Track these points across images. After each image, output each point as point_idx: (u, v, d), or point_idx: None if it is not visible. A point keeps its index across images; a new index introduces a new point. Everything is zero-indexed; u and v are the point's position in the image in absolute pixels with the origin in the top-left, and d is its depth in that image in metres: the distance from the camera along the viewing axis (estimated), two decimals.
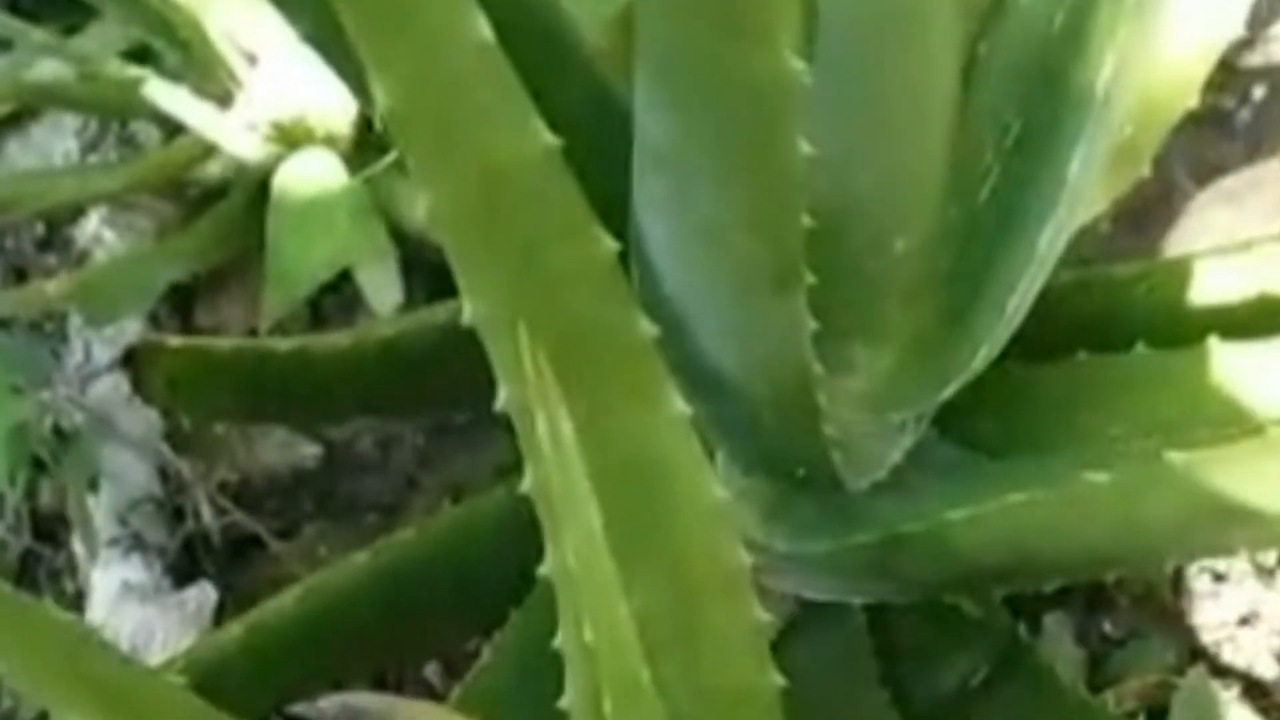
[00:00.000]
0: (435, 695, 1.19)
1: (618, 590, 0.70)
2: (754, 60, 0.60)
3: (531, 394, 0.65)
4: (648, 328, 0.70)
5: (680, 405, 0.72)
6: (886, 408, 0.89)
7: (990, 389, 0.99)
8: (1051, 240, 0.86)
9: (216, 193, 1.29)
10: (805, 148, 0.60)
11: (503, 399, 0.72)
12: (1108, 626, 1.20)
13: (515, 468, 1.27)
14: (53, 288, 1.19)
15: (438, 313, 1.08)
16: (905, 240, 0.83)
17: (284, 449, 1.24)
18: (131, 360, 0.94)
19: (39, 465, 1.18)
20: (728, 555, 0.78)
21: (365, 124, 1.22)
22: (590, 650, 0.72)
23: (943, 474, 0.95)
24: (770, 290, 0.67)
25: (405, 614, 1.08)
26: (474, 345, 1.10)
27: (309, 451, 1.24)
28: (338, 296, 1.26)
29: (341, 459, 1.26)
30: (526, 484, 0.75)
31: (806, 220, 0.63)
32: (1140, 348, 0.97)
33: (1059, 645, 1.13)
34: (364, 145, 1.22)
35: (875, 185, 0.78)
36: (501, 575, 1.07)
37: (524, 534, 1.09)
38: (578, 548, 0.68)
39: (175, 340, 0.96)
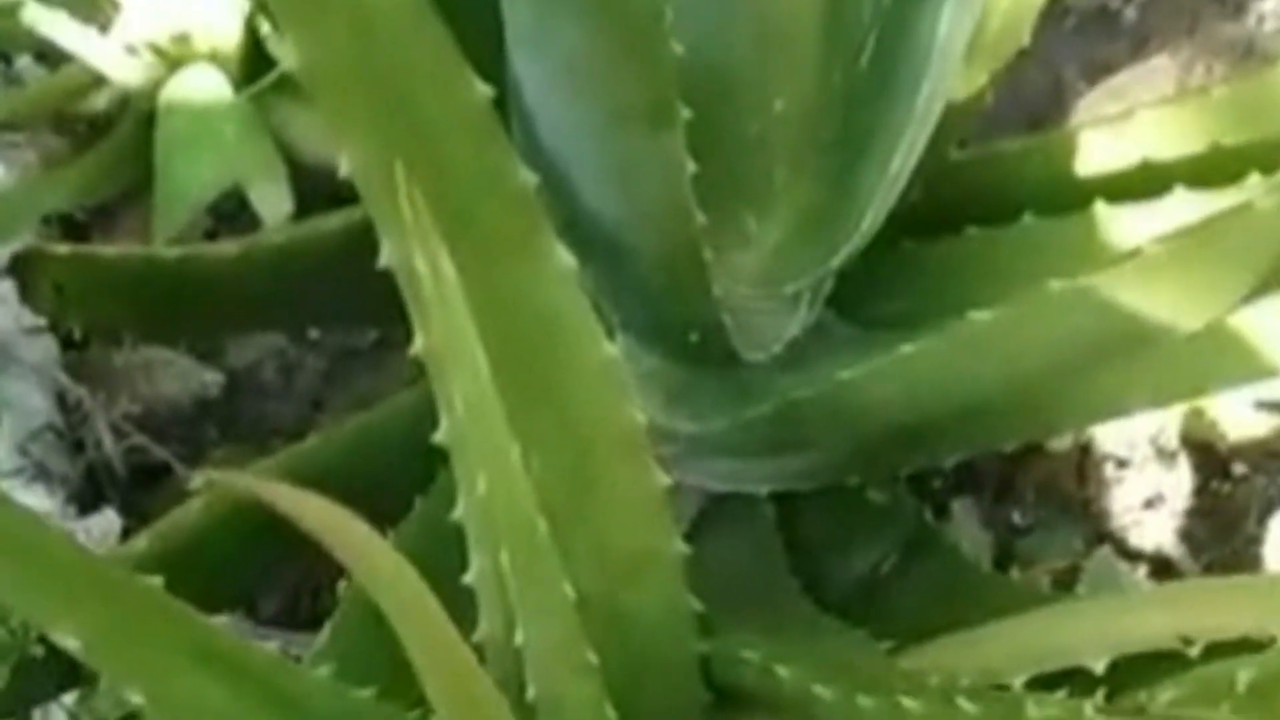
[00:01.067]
0: None
1: (507, 436, 0.70)
2: None
3: (411, 239, 0.64)
4: (527, 176, 0.70)
5: (566, 257, 0.72)
6: (778, 280, 0.89)
7: (883, 267, 1.00)
8: (928, 100, 0.86)
9: (103, 125, 1.27)
10: None
11: (385, 257, 0.71)
12: (1015, 517, 1.21)
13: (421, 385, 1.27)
14: None
15: (330, 220, 1.08)
16: (784, 101, 0.83)
17: (185, 377, 1.23)
18: (18, 267, 0.93)
19: None
20: (620, 413, 0.77)
21: (251, 41, 1.21)
22: (485, 504, 0.72)
23: (839, 349, 0.95)
24: (645, 127, 0.67)
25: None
26: (369, 253, 1.10)
27: (211, 379, 1.24)
28: (233, 223, 1.25)
29: (244, 385, 1.25)
30: (417, 346, 0.74)
31: (677, 48, 0.63)
32: (1028, 218, 0.97)
33: (966, 530, 1.14)
34: (250, 62, 1.21)
35: (749, 40, 0.78)
36: (407, 478, 1.07)
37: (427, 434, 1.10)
38: (467, 396, 0.68)
39: (62, 247, 0.95)
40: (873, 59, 0.87)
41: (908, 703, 0.73)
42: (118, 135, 1.23)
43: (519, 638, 0.76)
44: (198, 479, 1.12)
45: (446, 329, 0.66)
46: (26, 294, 0.93)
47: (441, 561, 0.94)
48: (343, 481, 1.05)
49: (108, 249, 1.00)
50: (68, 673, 1.01)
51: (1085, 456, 1.23)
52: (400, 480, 1.06)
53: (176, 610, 0.69)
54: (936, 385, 0.82)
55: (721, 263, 0.83)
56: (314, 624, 1.17)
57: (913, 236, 1.00)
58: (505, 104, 0.70)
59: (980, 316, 0.76)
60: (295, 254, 1.04)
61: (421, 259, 0.65)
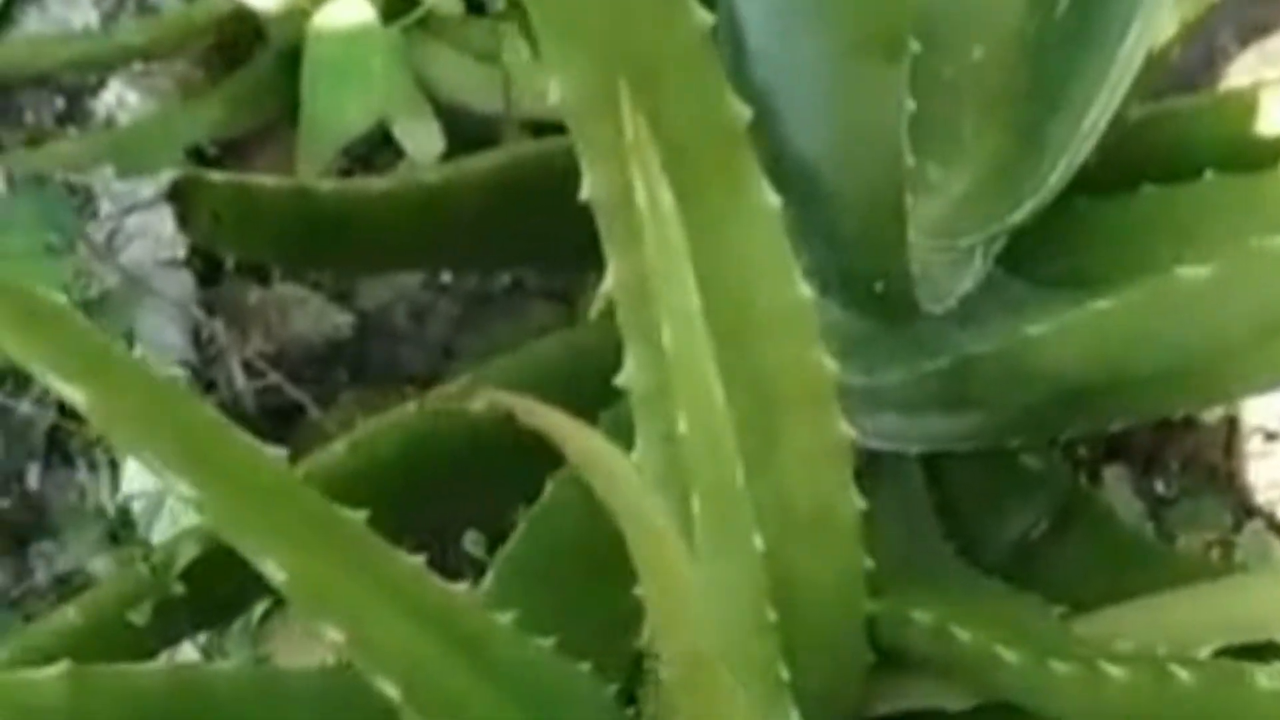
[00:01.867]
0: (481, 567, 1.17)
1: (715, 377, 0.67)
2: None
3: (629, 167, 0.62)
4: (740, 109, 0.67)
5: (770, 196, 0.69)
6: (959, 231, 0.86)
7: (1057, 225, 0.96)
8: (1129, 53, 0.83)
9: (240, 56, 1.25)
10: None
11: (588, 187, 0.69)
12: (1160, 487, 1.18)
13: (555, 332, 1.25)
14: (78, 145, 1.16)
15: (482, 160, 1.05)
16: (983, 48, 0.80)
17: (318, 318, 1.21)
18: (177, 194, 0.91)
19: None
20: (811, 360, 0.75)
21: None
22: (683, 447, 0.69)
23: (1015, 305, 0.93)
24: (875, 61, 0.64)
25: (452, 474, 1.05)
26: (517, 196, 1.08)
27: (343, 320, 1.22)
28: (374, 161, 1.23)
29: (375, 328, 1.23)
30: (608, 282, 0.72)
31: None
32: (1209, 176, 0.94)
33: (1118, 497, 1.11)
34: (397, 9, 1.19)
35: None
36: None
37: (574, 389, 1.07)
38: (676, 332, 0.66)
39: (220, 176, 0.93)
40: (1071, 6, 0.84)
41: (1111, 670, 0.70)
42: (255, 67, 1.21)
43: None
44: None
45: (662, 261, 0.63)
46: (183, 222, 0.91)
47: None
48: (488, 429, 1.04)
49: (266, 179, 0.98)
50: (205, 611, 0.99)
51: (1232, 429, 1.20)
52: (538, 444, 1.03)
53: (379, 547, 0.66)
54: (1132, 344, 0.79)
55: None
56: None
57: (1086, 193, 0.97)
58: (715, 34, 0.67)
59: (1190, 273, 0.73)
60: (447, 194, 1.02)
61: (641, 187, 0.62)
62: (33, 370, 0.61)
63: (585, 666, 0.79)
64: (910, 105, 0.67)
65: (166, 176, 0.92)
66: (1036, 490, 1.05)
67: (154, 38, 1.20)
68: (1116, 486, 1.13)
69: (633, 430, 0.95)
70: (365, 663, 0.66)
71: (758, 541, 0.72)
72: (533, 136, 1.20)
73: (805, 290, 0.73)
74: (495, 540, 1.17)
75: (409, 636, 0.66)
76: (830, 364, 0.75)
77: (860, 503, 0.80)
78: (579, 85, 0.66)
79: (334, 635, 0.65)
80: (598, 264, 1.21)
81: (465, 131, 1.22)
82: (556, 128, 1.15)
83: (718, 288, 0.71)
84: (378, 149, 1.22)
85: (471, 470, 1.06)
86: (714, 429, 0.67)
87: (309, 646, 1.08)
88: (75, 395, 0.61)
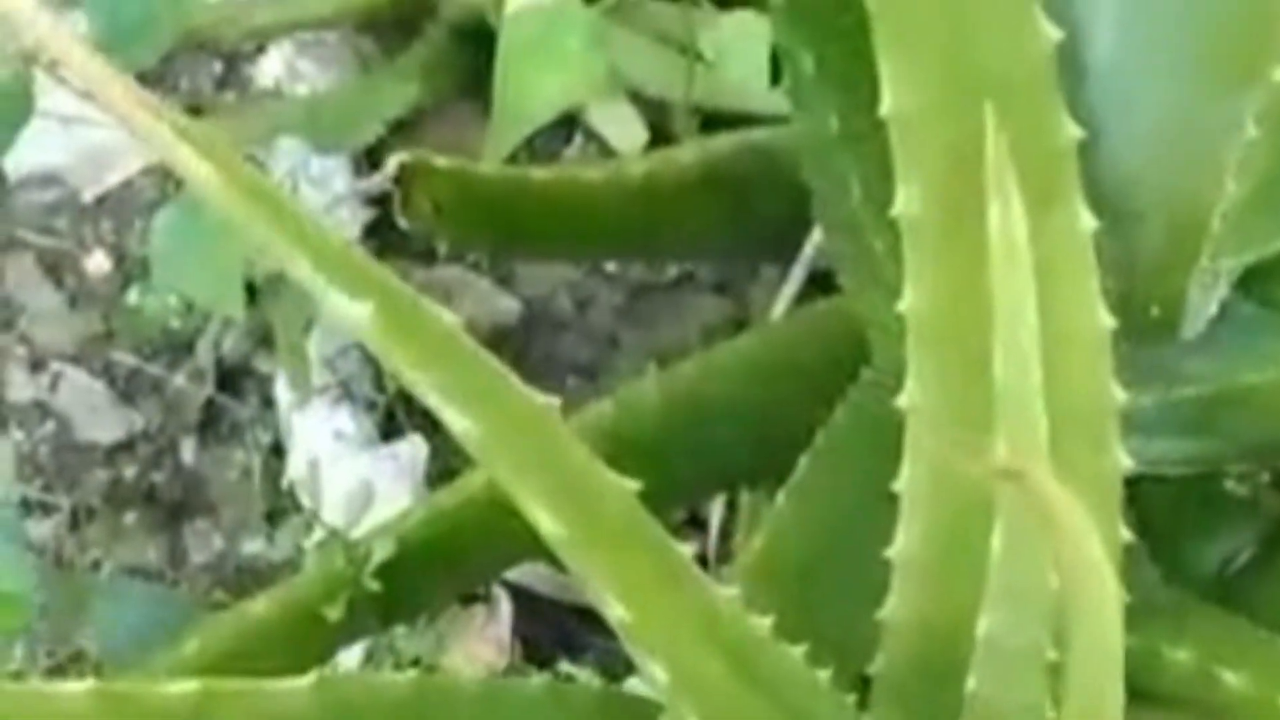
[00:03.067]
0: None
1: (1042, 414, 0.64)
2: None
3: (990, 183, 0.59)
4: (1073, 130, 0.64)
5: (1088, 219, 0.66)
6: (1226, 252, 0.82)
7: None
8: None
9: (410, 31, 1.22)
10: None
11: (903, 201, 0.66)
12: None
13: (723, 328, 1.22)
14: (257, 119, 1.12)
15: (684, 152, 1.03)
16: None
17: (483, 302, 1.18)
18: (402, 178, 0.88)
19: None
20: (1102, 390, 0.72)
21: None
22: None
23: (1253, 332, 0.89)
24: (1234, 83, 0.61)
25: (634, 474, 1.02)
26: (725, 187, 1.05)
27: (507, 305, 1.18)
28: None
29: (539, 316, 1.20)
30: (905, 304, 0.69)
31: None
32: None
33: None
34: None
35: None
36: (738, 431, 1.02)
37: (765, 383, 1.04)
38: (1009, 363, 0.62)
39: (443, 160, 0.90)
40: None
41: None
42: (431, 41, 1.18)
43: (982, 625, 0.71)
44: None
45: (1007, 289, 0.60)
46: (405, 206, 0.88)
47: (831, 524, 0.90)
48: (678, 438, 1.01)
49: (484, 167, 0.94)
50: (393, 610, 0.96)
51: None
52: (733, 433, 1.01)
53: (702, 584, 0.63)
54: None
55: None
56: None
57: None
58: None
59: None
60: (655, 184, 0.98)
61: (996, 209, 0.59)
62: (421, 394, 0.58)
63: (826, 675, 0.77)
64: (1253, 132, 0.64)
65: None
66: (1241, 517, 1.01)
67: (330, 9, 1.17)
68: None
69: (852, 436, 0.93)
70: (681, 699, 0.63)
71: (1052, 579, 0.69)
72: (704, 127, 1.17)
73: (1107, 319, 0.70)
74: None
75: (719, 672, 0.63)
76: (1119, 395, 0.72)
77: (1126, 535, 0.77)
78: (915, 95, 0.62)
79: (659, 674, 0.62)
80: (772, 259, 1.18)
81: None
82: (730, 120, 1.14)
83: None
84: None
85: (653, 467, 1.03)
86: (1035, 451, 0.64)
87: (482, 649, 1.05)
88: (461, 424, 0.58)
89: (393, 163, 0.87)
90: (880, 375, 0.85)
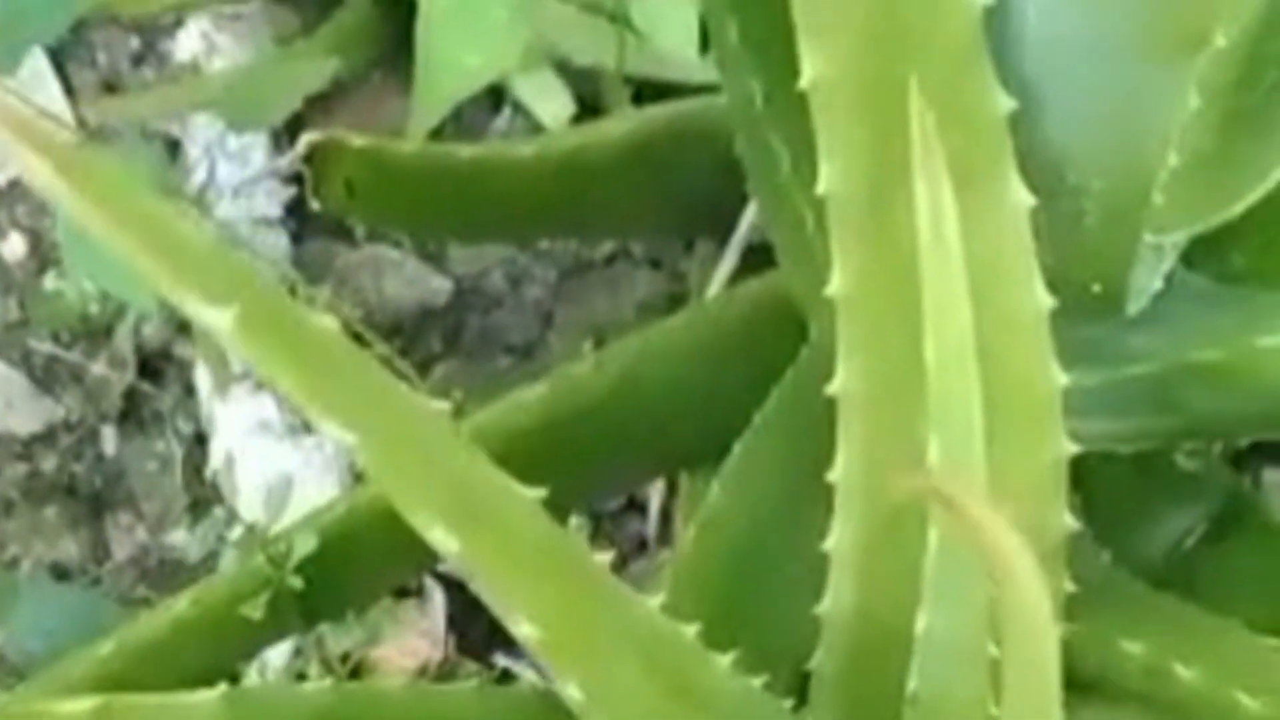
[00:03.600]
0: None
1: (978, 404, 0.61)
2: None
3: (916, 164, 0.55)
4: (1005, 102, 0.61)
5: (1024, 194, 0.63)
6: (1172, 225, 0.79)
7: (1240, 218, 0.90)
8: None
9: (330, 1, 1.18)
10: None
11: (826, 179, 0.62)
12: None
13: (659, 305, 1.18)
14: (173, 92, 1.08)
15: (615, 125, 0.99)
16: (1227, 35, 0.73)
17: (410, 283, 1.14)
18: (313, 158, 0.84)
19: None
20: (1044, 372, 0.69)
21: None
22: (931, 471, 0.63)
23: (1204, 305, 0.86)
24: (1175, 52, 0.58)
25: (573, 457, 0.98)
26: (656, 160, 1.01)
27: (438, 285, 1.15)
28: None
29: (471, 294, 1.16)
30: (833, 288, 0.65)
31: None
32: None
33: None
34: None
35: None
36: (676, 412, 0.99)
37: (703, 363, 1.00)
38: (943, 348, 0.59)
39: (358, 140, 0.86)
40: None
41: None
42: (353, 9, 1.14)
43: (920, 623, 0.68)
44: None
45: (938, 264, 0.57)
46: (317, 187, 0.84)
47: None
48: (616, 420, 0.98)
49: (404, 145, 0.91)
50: (316, 607, 0.93)
51: None
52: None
53: (623, 593, 0.60)
54: None
55: None
56: None
57: None
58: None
59: None
60: (583, 160, 0.95)
61: (923, 186, 0.56)
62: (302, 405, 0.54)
63: (759, 682, 0.74)
64: (1195, 102, 0.61)
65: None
66: (1193, 494, 0.99)
67: None
68: (1277, 491, 1.06)
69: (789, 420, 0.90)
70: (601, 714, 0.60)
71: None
72: (635, 97, 1.13)
73: (1046, 297, 0.66)
74: (598, 525, 1.12)
75: (647, 687, 0.60)
76: (1060, 377, 0.69)
77: (1071, 523, 0.75)
78: (836, 66, 0.59)
79: (574, 692, 0.58)
80: (708, 234, 1.15)
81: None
82: (665, 89, 1.10)
83: None
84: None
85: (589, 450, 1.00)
86: (970, 458, 0.60)
87: (415, 643, 1.02)
88: (342, 436, 0.54)
89: (302, 142, 0.83)
90: (817, 356, 0.81)
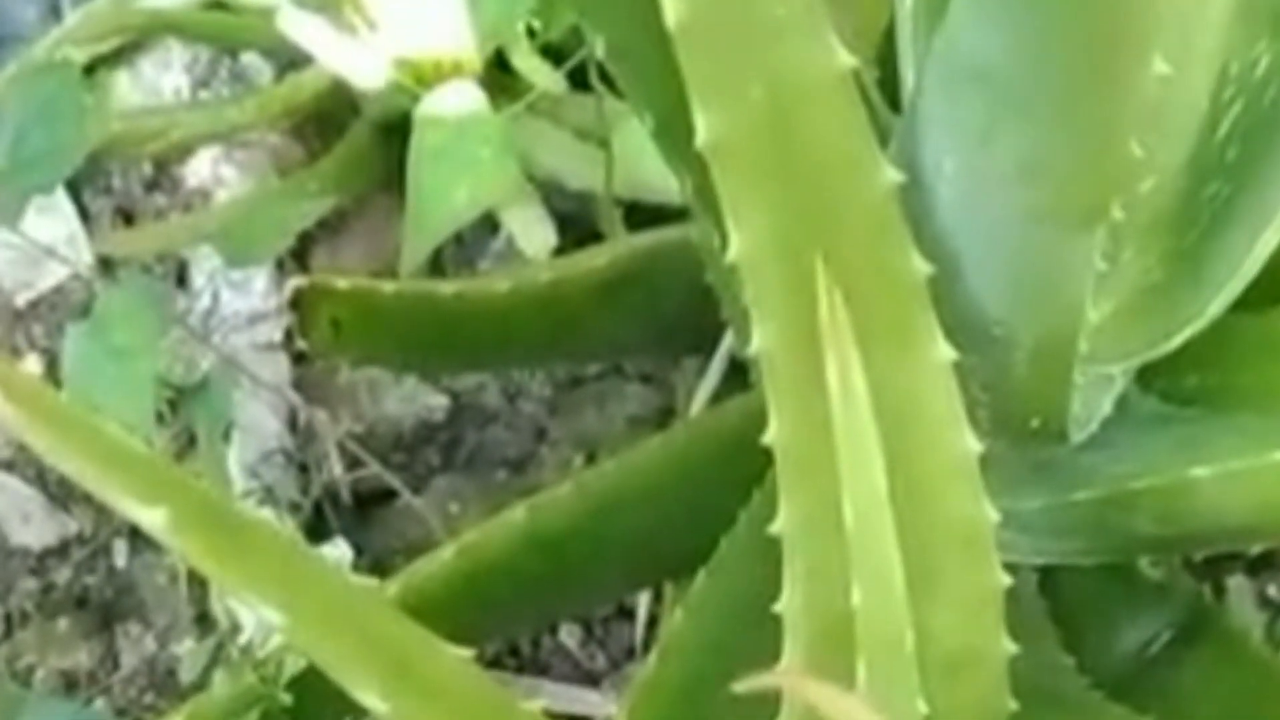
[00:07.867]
0: (573, 659, 1.14)
1: (895, 551, 0.65)
2: None
3: (825, 334, 0.59)
4: (922, 267, 0.65)
5: (945, 350, 0.67)
6: (1114, 357, 0.83)
7: (1193, 341, 0.94)
8: None
9: (334, 130, 1.23)
10: (1161, 66, 0.54)
11: (758, 339, 0.66)
12: (1272, 590, 1.15)
13: (649, 421, 1.23)
14: (179, 226, 1.13)
15: (594, 257, 1.03)
16: (1154, 179, 0.77)
17: (409, 400, 1.19)
18: (298, 302, 0.89)
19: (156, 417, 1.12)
20: (972, 509, 0.73)
21: (498, 63, 1.16)
22: (855, 612, 0.67)
23: (1151, 429, 0.90)
24: (1076, 225, 0.62)
25: (559, 575, 1.03)
26: (636, 288, 1.05)
27: (435, 402, 1.19)
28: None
29: (467, 410, 1.21)
30: (771, 435, 0.69)
31: (1135, 149, 0.58)
32: None
33: (1243, 609, 1.08)
34: (495, 86, 1.16)
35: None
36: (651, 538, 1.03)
37: (686, 493, 1.04)
38: (858, 501, 0.63)
39: (342, 282, 0.91)
40: (1233, 127, 0.81)
41: None
42: (352, 142, 1.19)
43: None
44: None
45: (848, 428, 0.61)
46: (304, 328, 0.89)
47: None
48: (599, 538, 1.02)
49: (386, 285, 0.95)
50: None
51: None
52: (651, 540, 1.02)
53: (482, 683, 0.64)
54: None
55: None
56: (534, 668, 1.13)
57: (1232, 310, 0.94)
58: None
59: None
60: (562, 292, 0.99)
61: (832, 355, 0.60)
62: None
63: None
64: (1100, 266, 0.65)
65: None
66: (1156, 602, 1.02)
67: (253, 114, 1.18)
68: (1240, 597, 1.10)
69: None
70: None
71: (921, 706, 0.69)
72: (626, 217, 1.18)
73: (973, 443, 0.70)
74: (589, 631, 1.15)
75: None
76: (992, 515, 0.73)
77: (1010, 647, 0.78)
78: (756, 237, 0.63)
79: None
80: (693, 352, 1.19)
81: (558, 208, 1.20)
82: (655, 211, 1.14)
83: (885, 439, 0.69)
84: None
85: (575, 567, 1.04)
86: (889, 604, 0.65)
87: None
88: (275, 618, 0.59)
89: (289, 287, 0.88)
90: (768, 493, 0.85)
